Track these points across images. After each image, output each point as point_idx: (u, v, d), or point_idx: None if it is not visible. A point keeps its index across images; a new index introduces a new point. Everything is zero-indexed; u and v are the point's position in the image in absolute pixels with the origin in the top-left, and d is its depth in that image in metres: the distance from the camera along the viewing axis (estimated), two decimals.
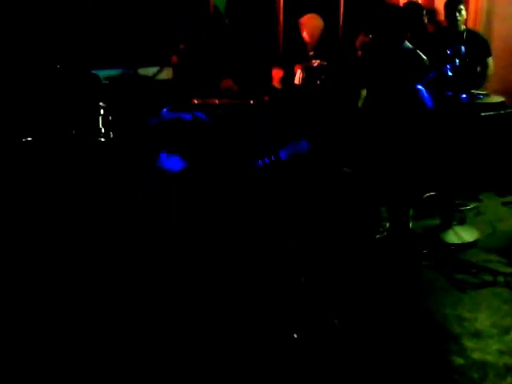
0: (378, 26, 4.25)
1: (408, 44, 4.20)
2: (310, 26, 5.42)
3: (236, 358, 2.98)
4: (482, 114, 5.23)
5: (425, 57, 4.17)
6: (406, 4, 5.83)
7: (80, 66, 4.29)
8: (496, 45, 5.81)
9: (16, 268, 3.54)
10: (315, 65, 5.23)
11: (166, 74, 4.60)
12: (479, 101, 5.26)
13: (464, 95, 4.95)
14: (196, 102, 4.39)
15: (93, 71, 4.54)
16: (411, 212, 4.43)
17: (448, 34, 5.32)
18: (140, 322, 3.21)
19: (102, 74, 4.23)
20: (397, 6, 5.37)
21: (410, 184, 4.39)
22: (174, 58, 4.74)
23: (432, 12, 6.14)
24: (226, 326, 3.19)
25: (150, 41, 4.65)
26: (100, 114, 4.41)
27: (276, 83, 4.95)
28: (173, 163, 3.75)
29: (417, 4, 5.91)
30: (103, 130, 4.27)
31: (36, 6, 4.47)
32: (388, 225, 4.30)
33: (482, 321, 3.34)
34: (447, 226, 4.39)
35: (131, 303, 3.35)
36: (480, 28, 6.29)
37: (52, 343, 3.07)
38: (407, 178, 4.28)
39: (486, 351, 3.07)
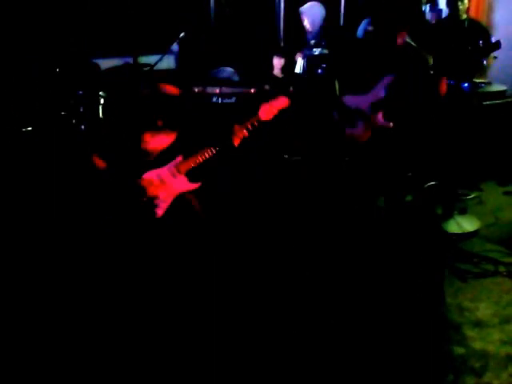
0: (378, 15, 4.21)
1: (410, 41, 4.17)
2: (311, 13, 5.39)
3: (236, 356, 2.99)
4: (484, 103, 5.22)
5: (428, 55, 4.16)
6: None
7: (80, 55, 4.27)
8: (497, 34, 5.78)
9: (14, 264, 3.55)
10: (316, 53, 5.21)
11: (167, 62, 4.58)
12: (481, 90, 5.25)
13: (466, 84, 4.94)
14: (196, 90, 4.37)
15: (93, 60, 4.53)
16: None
17: (449, 23, 5.30)
18: (140, 321, 3.22)
19: (103, 63, 4.20)
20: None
21: (408, 172, 4.39)
22: (175, 47, 4.71)
23: (434, 2, 6.11)
24: (226, 322, 3.21)
25: (151, 29, 4.62)
26: (100, 104, 4.40)
27: (277, 72, 4.92)
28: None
29: None
30: (103, 119, 4.26)
31: None
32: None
33: (483, 310, 3.34)
34: (448, 215, 4.38)
35: (131, 303, 3.36)
36: (482, 17, 6.27)
37: (51, 343, 3.07)
38: (407, 167, 4.28)
39: (487, 341, 3.07)
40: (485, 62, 5.12)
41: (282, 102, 3.48)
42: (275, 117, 3.51)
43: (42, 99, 4.11)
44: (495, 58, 5.07)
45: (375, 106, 4.07)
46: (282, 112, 3.56)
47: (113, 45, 4.69)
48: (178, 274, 3.54)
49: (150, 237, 3.64)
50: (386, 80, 4.04)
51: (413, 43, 4.18)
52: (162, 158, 3.70)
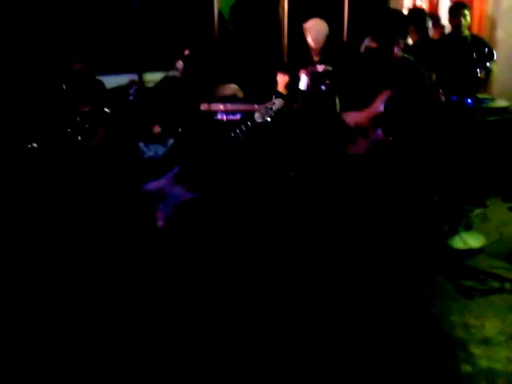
0: (379, 30, 4.24)
1: (408, 56, 4.19)
2: (315, 30, 5.40)
3: (236, 355, 3.00)
4: (487, 119, 5.23)
5: (425, 73, 4.17)
6: (410, 10, 5.83)
7: (85, 72, 4.29)
8: (500, 50, 5.81)
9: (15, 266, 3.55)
10: (320, 70, 5.22)
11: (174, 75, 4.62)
12: (484, 105, 5.27)
13: (469, 100, 4.95)
14: (202, 107, 4.39)
15: (98, 77, 4.55)
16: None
17: (452, 39, 5.33)
18: (141, 323, 3.23)
19: (108, 80, 4.23)
20: (399, 11, 5.37)
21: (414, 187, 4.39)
22: (180, 64, 4.74)
23: (436, 18, 6.14)
24: (226, 323, 3.21)
25: (156, 46, 4.65)
26: (104, 120, 4.41)
27: (281, 88, 4.94)
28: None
29: (420, 10, 5.92)
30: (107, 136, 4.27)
31: (42, 13, 4.48)
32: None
33: (490, 328, 3.32)
34: (454, 231, 4.37)
35: (132, 302, 3.37)
36: (484, 33, 6.30)
37: (50, 344, 3.08)
38: (413, 182, 4.28)
39: (493, 358, 3.04)
40: (479, 73, 5.12)
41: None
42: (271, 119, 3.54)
43: (47, 115, 4.13)
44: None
45: (375, 121, 4.08)
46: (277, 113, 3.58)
47: (117, 62, 4.72)
48: (178, 277, 3.55)
49: (152, 247, 3.65)
50: (385, 95, 4.06)
51: (411, 58, 4.19)
52: (161, 169, 3.72)
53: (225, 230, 3.98)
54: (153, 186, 3.68)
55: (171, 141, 4.01)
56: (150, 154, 3.98)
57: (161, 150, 3.96)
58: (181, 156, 3.84)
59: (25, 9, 4.48)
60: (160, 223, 3.67)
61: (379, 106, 4.07)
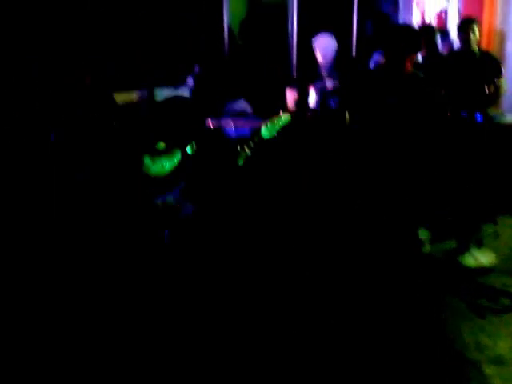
0: (389, 46, 4.24)
1: (417, 71, 4.19)
2: (324, 46, 5.43)
3: (236, 356, 3.01)
4: (497, 134, 5.21)
5: (432, 88, 4.18)
6: (419, 26, 5.85)
7: (97, 87, 4.31)
8: (509, 65, 5.82)
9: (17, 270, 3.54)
10: (329, 85, 5.24)
11: (182, 95, 4.63)
12: (494, 121, 5.26)
13: (479, 115, 4.95)
14: (211, 123, 4.40)
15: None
16: (428, 235, 4.40)
17: (461, 54, 5.33)
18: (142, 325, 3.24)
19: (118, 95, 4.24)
20: (411, 27, 5.39)
21: (423, 205, 4.36)
22: (190, 80, 4.76)
23: (446, 33, 6.16)
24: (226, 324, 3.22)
25: (166, 62, 4.68)
26: (115, 135, 4.41)
27: (290, 104, 4.95)
28: None
29: (430, 26, 5.94)
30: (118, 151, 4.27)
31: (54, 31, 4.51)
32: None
33: (503, 347, 3.29)
34: (465, 249, 4.35)
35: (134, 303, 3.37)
36: (493, 48, 6.31)
37: (51, 344, 3.08)
38: (422, 199, 4.26)
39: (506, 378, 3.01)
40: (487, 89, 5.12)
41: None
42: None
43: (57, 129, 4.13)
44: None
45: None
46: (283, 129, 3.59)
47: (128, 78, 4.74)
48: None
49: (160, 262, 3.65)
50: (393, 110, 4.05)
51: (419, 73, 4.20)
52: (168, 184, 3.72)
53: (229, 242, 3.97)
54: (160, 200, 3.68)
55: (178, 156, 4.00)
56: (156, 169, 3.97)
57: (167, 166, 3.96)
58: (188, 171, 3.85)
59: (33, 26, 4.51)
60: (167, 238, 3.66)
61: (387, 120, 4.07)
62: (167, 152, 3.92)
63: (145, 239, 3.68)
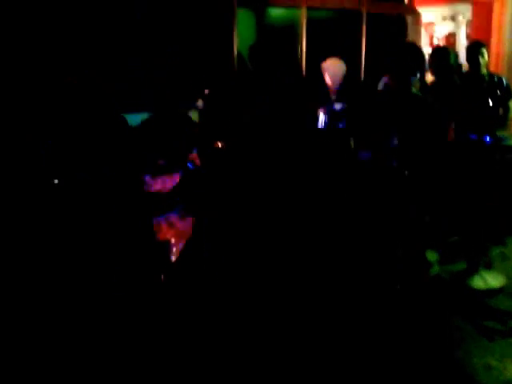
0: (397, 68, 4.29)
1: (417, 92, 4.23)
2: (332, 69, 5.48)
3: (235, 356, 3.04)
4: (506, 156, 5.22)
5: (435, 108, 4.21)
6: (433, 48, 5.90)
7: (108, 110, 4.37)
8: None
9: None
10: (337, 108, 5.28)
11: (192, 117, 4.69)
12: (503, 143, 5.26)
13: (488, 138, 4.96)
14: (220, 144, 4.45)
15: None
16: (437, 257, 4.39)
17: (470, 77, 5.36)
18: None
19: (130, 118, 4.30)
20: (415, 47, 5.43)
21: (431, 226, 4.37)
22: (199, 102, 4.83)
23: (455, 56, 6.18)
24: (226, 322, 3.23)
25: (176, 85, 4.74)
26: (127, 157, 4.46)
27: None
28: None
29: (443, 47, 5.97)
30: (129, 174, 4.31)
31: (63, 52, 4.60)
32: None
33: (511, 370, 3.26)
34: (473, 271, 4.33)
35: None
36: (502, 71, 6.33)
37: (51, 344, 3.09)
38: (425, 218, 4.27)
39: None
40: (497, 111, 5.12)
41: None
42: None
43: (70, 151, 4.17)
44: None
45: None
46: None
47: (138, 100, 4.81)
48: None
49: (166, 282, 3.65)
50: (398, 131, 4.08)
51: (419, 93, 4.23)
52: (170, 203, 3.73)
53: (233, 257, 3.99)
54: (161, 218, 3.69)
55: (179, 173, 4.00)
56: (157, 187, 3.95)
57: (168, 183, 3.95)
58: (191, 190, 3.86)
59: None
60: (173, 257, 3.67)
61: (393, 140, 4.09)
62: (168, 169, 3.93)
63: (146, 258, 3.69)
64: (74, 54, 4.72)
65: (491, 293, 4.15)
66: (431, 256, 4.41)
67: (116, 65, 4.99)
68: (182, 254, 3.70)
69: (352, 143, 4.46)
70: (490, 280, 4.25)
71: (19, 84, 4.20)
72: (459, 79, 5.57)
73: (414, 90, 4.16)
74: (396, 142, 4.05)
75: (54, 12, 4.75)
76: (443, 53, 5.55)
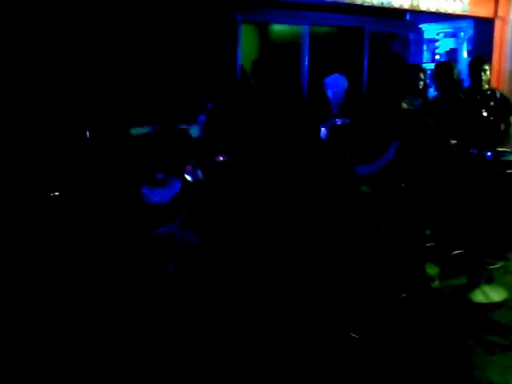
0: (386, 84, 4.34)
1: (409, 106, 4.27)
2: (334, 85, 5.53)
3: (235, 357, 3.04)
4: (507, 172, 5.23)
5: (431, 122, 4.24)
6: (437, 64, 5.93)
7: (113, 124, 4.41)
8: None
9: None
10: (339, 123, 5.32)
11: (193, 132, 4.73)
12: (504, 158, 5.28)
13: (489, 153, 4.98)
14: (221, 158, 4.48)
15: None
16: (438, 271, 4.39)
17: (472, 93, 5.39)
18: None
19: (133, 131, 4.35)
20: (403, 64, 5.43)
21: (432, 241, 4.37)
22: (202, 117, 4.87)
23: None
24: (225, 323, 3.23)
25: (179, 100, 4.79)
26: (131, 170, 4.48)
27: None
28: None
29: (447, 63, 6.01)
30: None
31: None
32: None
33: None
34: (475, 285, 4.33)
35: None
36: (503, 87, 6.37)
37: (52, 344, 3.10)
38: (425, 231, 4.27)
39: None
40: (499, 126, 5.15)
41: None
42: None
43: (74, 163, 4.19)
44: None
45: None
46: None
47: (142, 114, 4.85)
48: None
49: (164, 292, 3.65)
50: (394, 145, 4.11)
51: (411, 107, 4.27)
52: (168, 215, 3.74)
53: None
54: (162, 231, 3.70)
55: (177, 185, 4.01)
56: (156, 199, 3.95)
57: (167, 195, 3.95)
58: (189, 200, 3.87)
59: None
60: (170, 268, 3.68)
61: (389, 154, 4.11)
62: (166, 181, 3.95)
63: (147, 270, 3.70)
64: (74, 54, 4.76)
65: (492, 307, 4.15)
66: (432, 270, 4.41)
67: (119, 80, 5.04)
68: (179, 265, 3.72)
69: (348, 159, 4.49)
70: (491, 294, 4.24)
71: (19, 84, 4.23)
72: (463, 94, 5.61)
73: (404, 105, 4.20)
74: (392, 155, 4.09)
75: (54, 12, 4.81)
76: (447, 67, 5.58)
